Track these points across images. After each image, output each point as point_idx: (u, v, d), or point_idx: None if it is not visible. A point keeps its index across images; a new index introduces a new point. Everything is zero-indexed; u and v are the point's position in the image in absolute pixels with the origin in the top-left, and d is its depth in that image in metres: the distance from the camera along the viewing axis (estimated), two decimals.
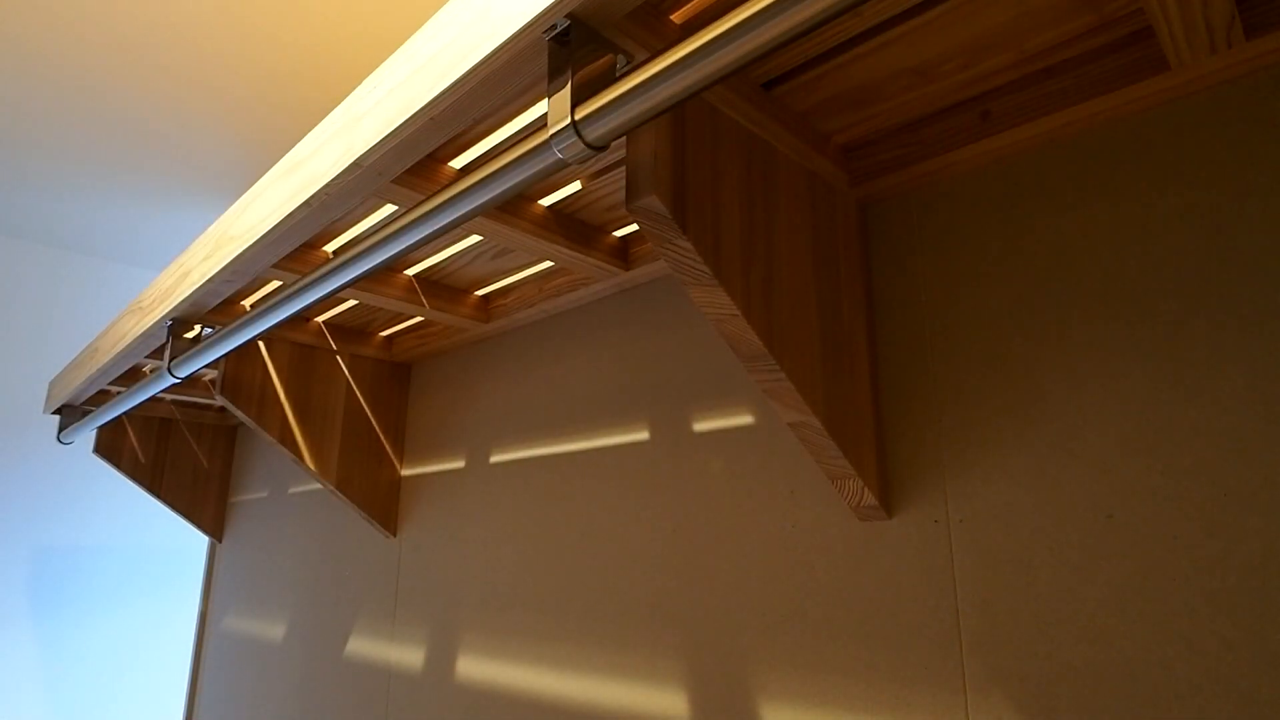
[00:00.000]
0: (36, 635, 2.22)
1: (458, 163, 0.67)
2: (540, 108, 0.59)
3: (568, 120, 0.41)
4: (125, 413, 1.44)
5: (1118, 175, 0.56)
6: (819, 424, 0.55)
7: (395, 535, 1.20)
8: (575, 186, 0.72)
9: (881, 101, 0.59)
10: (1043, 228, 0.59)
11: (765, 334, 0.51)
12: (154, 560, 2.48)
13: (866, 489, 0.60)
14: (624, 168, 0.69)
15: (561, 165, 0.44)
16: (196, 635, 1.74)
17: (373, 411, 1.20)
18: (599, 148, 0.42)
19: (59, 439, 1.39)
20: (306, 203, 0.61)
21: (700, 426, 0.80)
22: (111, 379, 1.18)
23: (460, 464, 1.11)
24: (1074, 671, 0.52)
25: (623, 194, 0.73)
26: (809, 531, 0.68)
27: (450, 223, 0.53)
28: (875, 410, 0.64)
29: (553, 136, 0.42)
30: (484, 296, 1.03)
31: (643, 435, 0.85)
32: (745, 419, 0.76)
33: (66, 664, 2.26)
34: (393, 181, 0.63)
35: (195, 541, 2.58)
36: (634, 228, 0.81)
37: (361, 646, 1.21)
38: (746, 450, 0.75)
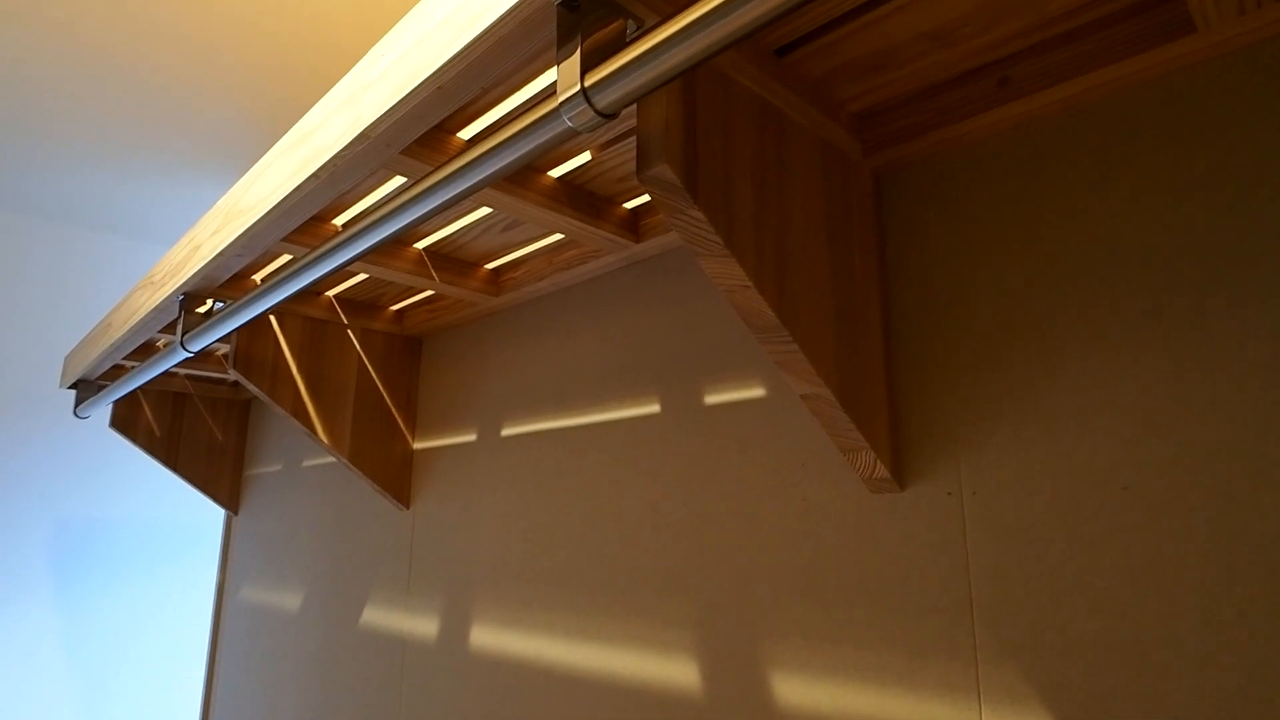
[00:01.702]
0: (58, 605, 2.26)
1: (466, 133, 0.67)
2: (549, 75, 0.58)
3: (577, 87, 0.40)
4: (140, 387, 1.45)
5: (1141, 142, 0.55)
6: (831, 396, 0.55)
7: (408, 507, 1.21)
8: (585, 157, 0.71)
9: (897, 67, 0.58)
10: (1062, 196, 0.58)
11: (777, 305, 0.51)
12: (172, 532, 2.51)
13: (879, 461, 0.60)
14: (634, 138, 0.68)
15: (571, 134, 0.43)
16: (214, 606, 1.77)
17: (384, 385, 1.21)
18: (609, 115, 0.41)
19: (75, 413, 1.41)
20: (315, 175, 0.60)
21: (711, 399, 0.79)
22: (125, 354, 1.18)
23: (472, 437, 1.11)
24: (1087, 643, 0.52)
25: (633, 165, 0.72)
26: (820, 504, 0.68)
27: (459, 194, 0.53)
28: (888, 382, 0.63)
29: (562, 104, 0.42)
30: (494, 270, 1.02)
31: (653, 408, 0.85)
32: (756, 391, 0.75)
33: (88, 634, 2.30)
34: (401, 153, 0.62)
35: (212, 514, 2.61)
36: (644, 199, 0.80)
37: (376, 617, 1.23)
38: (758, 423, 0.75)
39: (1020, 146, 0.61)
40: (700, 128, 0.48)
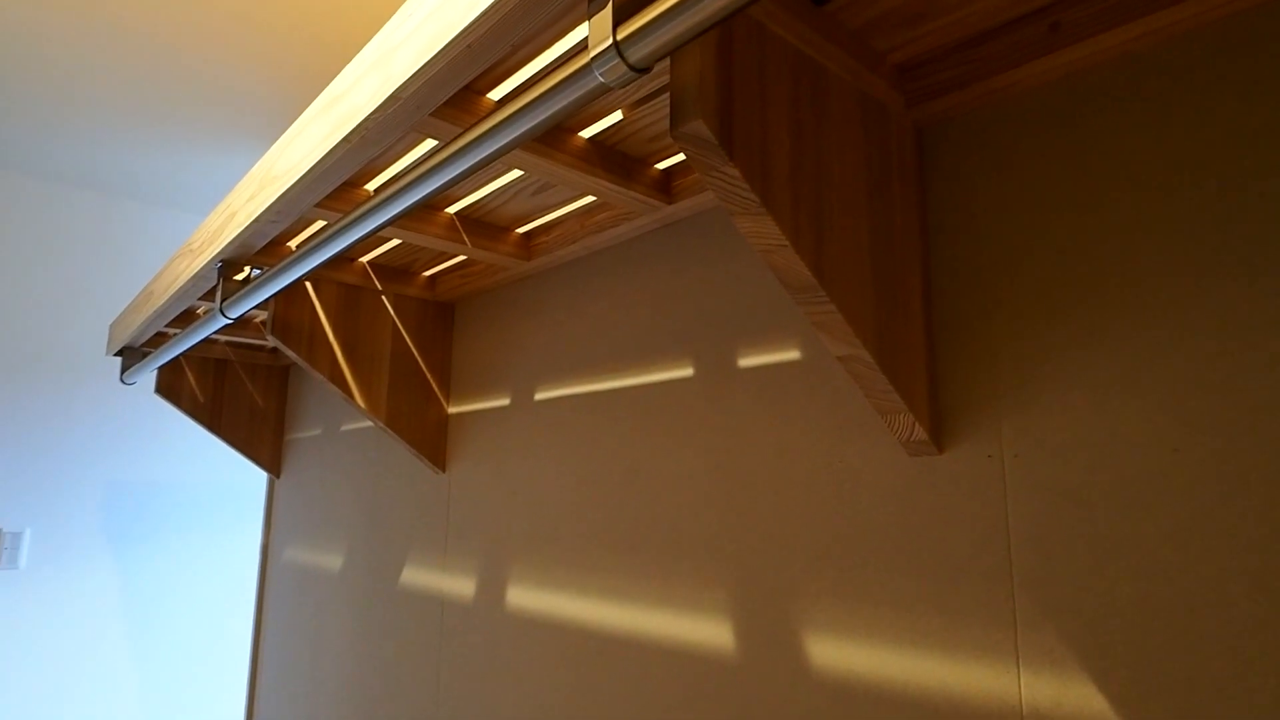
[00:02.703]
0: (113, 563, 2.35)
1: (496, 94, 0.66)
2: (580, 31, 0.57)
3: (609, 41, 0.39)
4: (182, 354, 1.48)
5: (1199, 90, 0.52)
6: (869, 357, 0.54)
7: (444, 471, 1.23)
8: (616, 117, 0.70)
9: (941, 15, 0.56)
10: (1113, 148, 0.55)
11: (815, 264, 0.50)
12: (218, 494, 2.59)
13: (918, 424, 0.59)
14: (666, 95, 0.66)
15: (603, 90, 0.42)
16: (260, 565, 1.82)
17: (419, 350, 1.22)
18: (642, 70, 0.40)
19: (122, 380, 1.45)
20: (346, 138, 0.60)
21: (745, 362, 0.79)
22: (167, 321, 1.21)
23: (505, 401, 1.12)
24: (1131, 607, 0.51)
25: (665, 123, 0.71)
26: (856, 467, 0.67)
27: (490, 155, 0.52)
28: (928, 343, 0.62)
29: (594, 59, 0.41)
30: (525, 234, 1.02)
31: (686, 371, 0.85)
32: (791, 354, 0.74)
33: (142, 592, 2.40)
34: (431, 115, 0.62)
35: (255, 477, 2.69)
36: (676, 160, 0.79)
37: (415, 576, 1.26)
38: (793, 385, 0.74)
39: (1070, 97, 0.58)
40: (736, 81, 0.46)
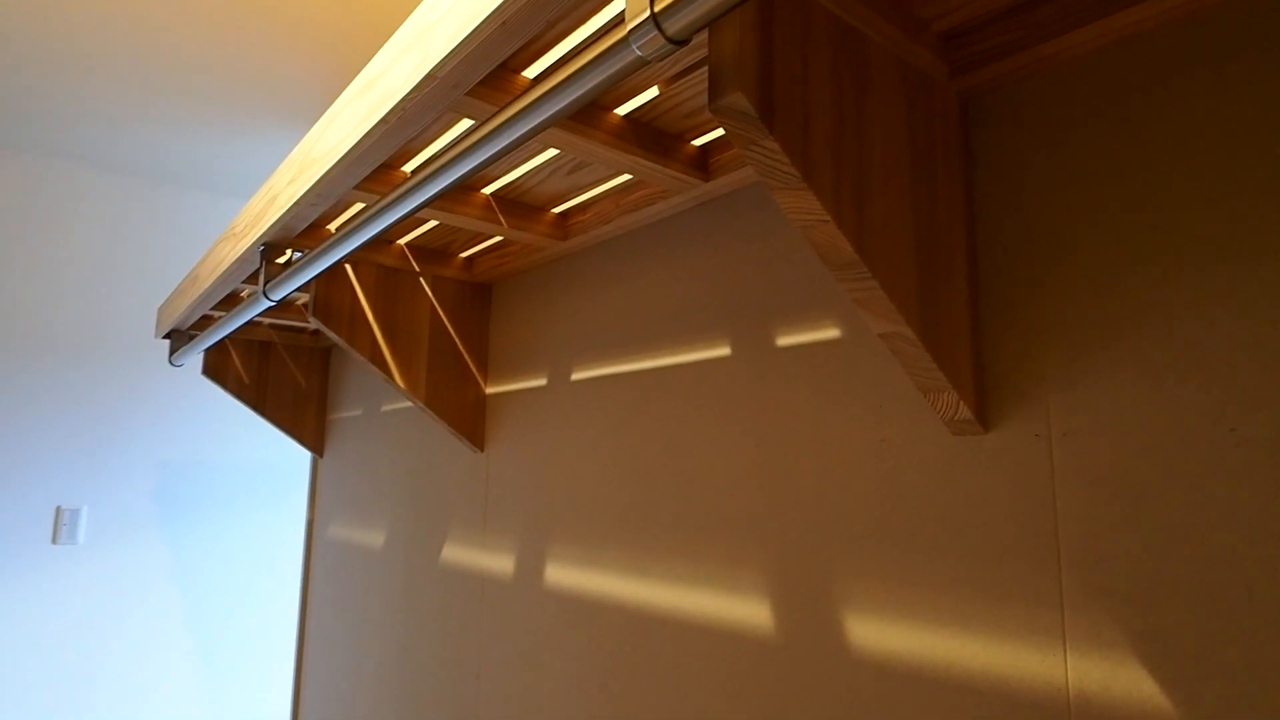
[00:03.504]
0: (165, 540, 2.43)
1: (531, 71, 0.65)
2: (617, 5, 0.56)
3: (646, 13, 0.39)
4: (227, 336, 1.52)
5: (1265, 52, 0.50)
6: (913, 334, 0.53)
7: (483, 450, 1.24)
8: (652, 93, 0.69)
9: None
10: (1169, 116, 0.53)
11: (856, 240, 0.49)
12: (265, 473, 2.66)
13: (962, 402, 0.57)
14: (703, 69, 0.65)
15: (640, 64, 0.42)
16: (305, 541, 1.87)
17: (456, 331, 1.23)
18: (680, 42, 0.39)
19: (170, 362, 1.48)
20: (383, 120, 0.60)
21: (783, 341, 0.78)
22: (213, 304, 1.24)
23: (542, 381, 1.13)
24: (1185, 590, 0.50)
25: (702, 98, 0.70)
26: (898, 446, 0.66)
27: (527, 133, 0.52)
28: (973, 319, 0.60)
29: (631, 32, 0.40)
30: (561, 214, 1.02)
31: (724, 351, 0.84)
32: (831, 332, 0.73)
33: (192, 566, 2.48)
34: (467, 94, 0.61)
35: (300, 456, 2.75)
36: (713, 136, 0.78)
37: (455, 554, 1.28)
38: (832, 364, 0.73)
39: (1125, 63, 0.56)
40: (776, 52, 0.45)
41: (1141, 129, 0.54)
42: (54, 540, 2.25)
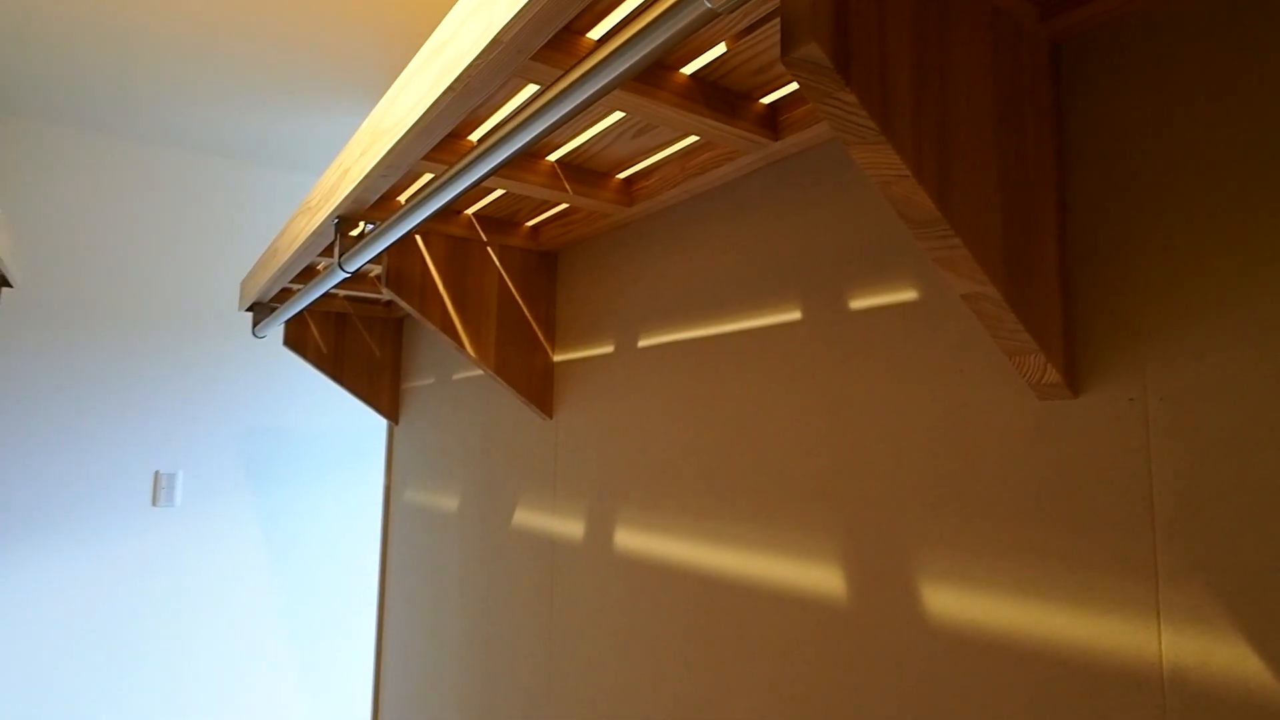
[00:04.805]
0: (253, 502, 2.56)
1: (596, 33, 0.64)
2: None
3: None
4: (306, 308, 1.57)
5: None
6: (997, 294, 0.50)
7: (551, 417, 1.25)
8: (720, 49, 0.67)
9: None
10: None
11: (938, 195, 0.46)
12: (344, 439, 2.77)
13: (1050, 365, 0.55)
14: (774, 22, 0.63)
15: (710, 16, 0.40)
16: (383, 506, 1.94)
17: (524, 300, 1.24)
18: None
19: (254, 334, 1.55)
20: (450, 87, 0.60)
21: (856, 304, 0.75)
22: (291, 277, 1.28)
23: (609, 349, 1.13)
24: None
25: (772, 53, 0.67)
26: (979, 411, 0.64)
27: (592, 96, 0.51)
28: (1063, 278, 0.57)
29: None
30: (626, 180, 1.01)
31: (794, 315, 0.82)
32: (907, 294, 0.71)
33: (279, 526, 2.61)
34: (532, 58, 0.61)
35: (377, 423, 2.85)
36: (782, 93, 0.75)
37: (526, 519, 1.31)
38: (908, 327, 0.70)
39: None
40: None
41: (1250, 68, 0.50)
42: (154, 503, 2.40)
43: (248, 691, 2.49)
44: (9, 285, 1.50)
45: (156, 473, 2.41)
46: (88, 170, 2.39)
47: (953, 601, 0.65)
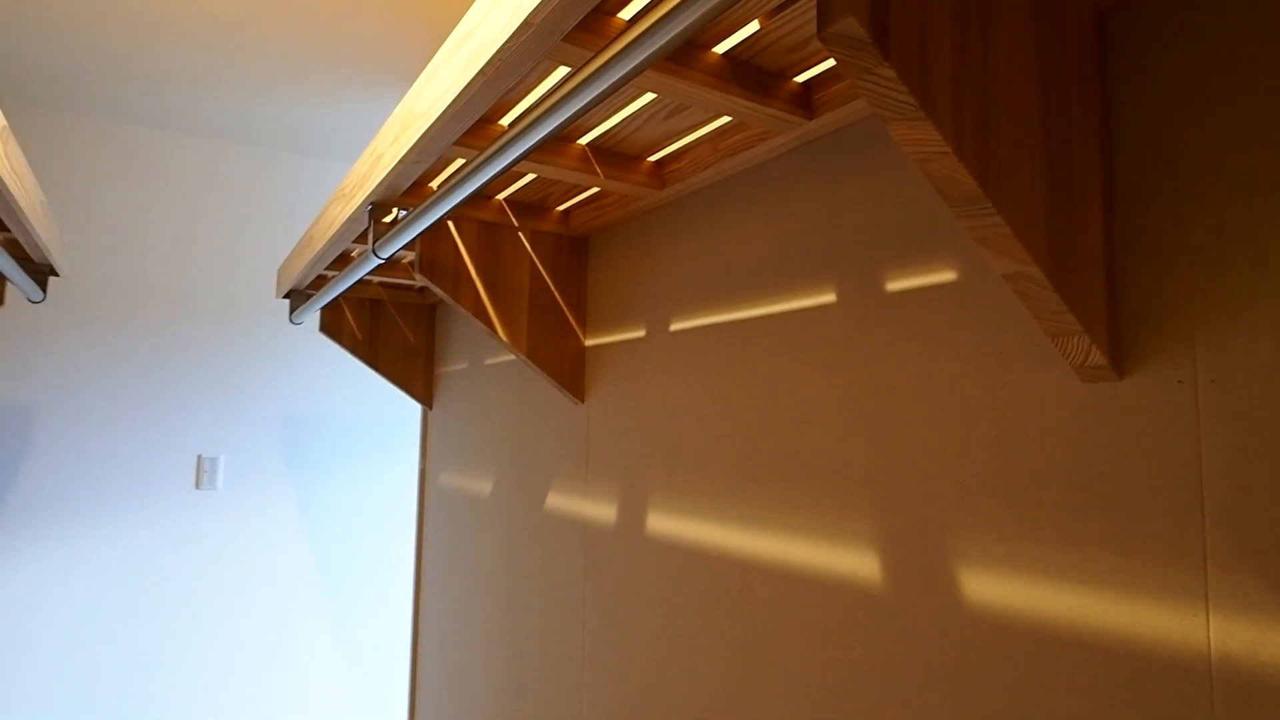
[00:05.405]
0: (292, 485, 2.62)
1: (627, 13, 0.63)
2: None
3: None
4: (341, 294, 1.59)
5: None
6: (1040, 274, 0.49)
7: (583, 401, 1.26)
8: (753, 27, 0.66)
9: None
10: None
11: (980, 173, 0.45)
12: (380, 424, 2.81)
13: (1094, 346, 0.53)
14: None
15: None
16: (419, 489, 1.97)
17: (555, 284, 1.24)
18: None
19: (291, 320, 1.57)
20: (481, 71, 0.60)
21: (892, 285, 0.74)
22: (326, 264, 1.29)
23: (641, 333, 1.13)
24: None
25: (805, 30, 0.66)
26: (1019, 394, 0.63)
27: (623, 77, 0.51)
28: (1108, 256, 0.55)
29: None
30: (657, 162, 1.00)
31: (828, 297, 0.81)
32: (945, 275, 0.69)
33: (317, 509, 2.66)
34: (563, 41, 0.60)
35: (410, 408, 2.89)
36: (817, 71, 0.74)
37: (558, 502, 1.31)
38: (946, 308, 0.69)
39: None
40: None
41: None
42: (197, 486, 2.46)
43: (288, 668, 2.56)
44: (55, 274, 1.54)
45: (199, 457, 2.47)
46: (126, 161, 2.44)
47: (992, 588, 0.64)
